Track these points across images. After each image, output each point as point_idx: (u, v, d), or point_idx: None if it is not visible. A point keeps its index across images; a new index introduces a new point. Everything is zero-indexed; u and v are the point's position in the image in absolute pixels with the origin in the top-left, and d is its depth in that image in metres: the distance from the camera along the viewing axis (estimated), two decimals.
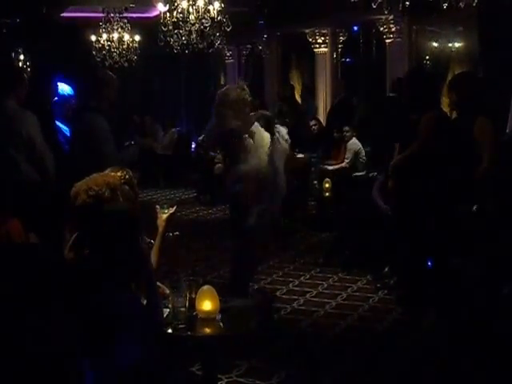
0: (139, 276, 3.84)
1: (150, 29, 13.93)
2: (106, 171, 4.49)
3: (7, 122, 6.50)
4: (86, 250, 3.70)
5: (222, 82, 19.74)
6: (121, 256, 3.64)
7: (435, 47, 13.26)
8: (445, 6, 6.35)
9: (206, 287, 4.43)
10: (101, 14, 14.91)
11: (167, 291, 4.34)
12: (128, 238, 3.70)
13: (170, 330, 4.20)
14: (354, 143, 11.94)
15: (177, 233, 5.28)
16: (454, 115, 7.61)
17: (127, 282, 3.67)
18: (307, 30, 15.51)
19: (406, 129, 7.61)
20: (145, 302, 3.91)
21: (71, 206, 3.85)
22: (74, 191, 3.87)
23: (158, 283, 4.37)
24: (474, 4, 6.59)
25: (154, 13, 14.80)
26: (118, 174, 4.46)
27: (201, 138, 16.24)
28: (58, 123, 8.11)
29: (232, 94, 6.64)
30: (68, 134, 7.90)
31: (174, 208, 4.98)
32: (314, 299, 7.71)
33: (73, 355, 3.18)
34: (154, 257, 4.73)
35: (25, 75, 7.27)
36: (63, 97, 8.96)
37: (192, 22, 10.27)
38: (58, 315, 3.19)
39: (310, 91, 16.33)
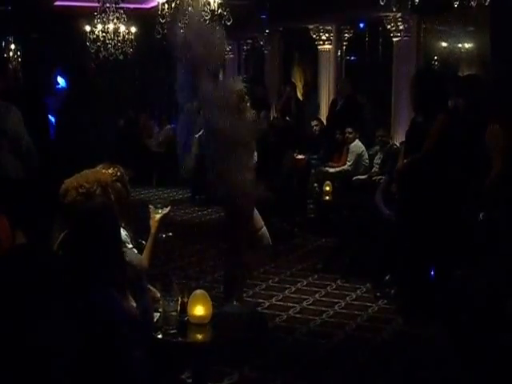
0: (126, 277, 3.85)
1: (147, 20, 13.94)
2: (98, 168, 4.50)
3: None
4: (76, 249, 3.70)
5: (221, 78, 19.72)
6: (110, 255, 3.64)
7: (444, 47, 13.24)
8: (456, 4, 6.36)
9: (198, 291, 4.43)
10: (96, 4, 14.89)
11: (158, 295, 4.35)
12: (116, 237, 3.71)
13: (160, 335, 4.20)
14: (357, 145, 11.94)
15: (170, 234, 5.30)
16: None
17: (115, 283, 3.67)
18: (311, 26, 15.50)
19: (411, 132, 7.63)
20: (134, 304, 3.92)
21: (60, 203, 3.85)
22: (64, 188, 3.87)
23: (149, 286, 4.38)
24: (487, 4, 6.60)
25: (152, 4, 14.83)
26: (110, 170, 4.48)
27: (198, 134, 16.25)
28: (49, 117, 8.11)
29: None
30: None
31: (168, 208, 4.98)
32: (311, 307, 7.72)
33: (68, 356, 3.18)
34: (145, 258, 4.74)
35: (9, 66, 7.25)
36: (57, 89, 8.96)
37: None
38: (54, 316, 3.18)
39: (312, 90, 16.34)
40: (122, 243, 3.88)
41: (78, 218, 3.63)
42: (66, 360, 3.14)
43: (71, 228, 3.70)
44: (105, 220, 3.65)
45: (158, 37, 10.87)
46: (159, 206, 4.97)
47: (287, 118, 14.98)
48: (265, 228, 7.15)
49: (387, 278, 8.13)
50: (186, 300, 4.39)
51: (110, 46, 15.03)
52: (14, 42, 18.38)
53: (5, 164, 6.44)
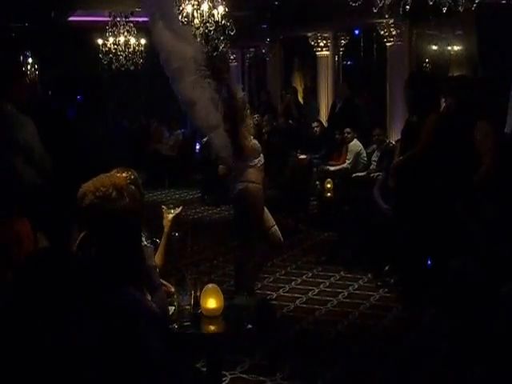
0: (143, 274, 3.84)
1: None
2: (112, 172, 4.50)
3: (3, 127, 6.47)
4: (93, 250, 3.70)
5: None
6: (127, 255, 3.64)
7: (435, 50, 13.24)
8: (444, 10, 6.35)
9: (210, 285, 4.43)
10: (107, 18, 14.92)
11: (172, 289, 4.34)
12: (134, 237, 3.70)
13: (175, 328, 4.20)
14: (355, 144, 11.93)
15: (176, 234, 5.28)
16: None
17: (133, 281, 3.66)
18: (309, 34, 15.50)
19: (406, 130, 7.62)
20: (149, 298, 3.92)
21: (78, 207, 3.85)
22: (81, 192, 3.87)
23: (164, 281, 4.38)
24: (473, 8, 6.59)
25: None
26: (124, 174, 4.47)
27: (205, 139, 16.25)
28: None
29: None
30: None
31: (180, 208, 4.98)
32: (316, 297, 7.71)
33: (95, 356, 3.17)
34: (159, 256, 4.74)
35: (26, 79, 7.23)
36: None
37: (196, 25, 10.26)
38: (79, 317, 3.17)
39: (311, 93, 16.34)
40: (142, 242, 3.88)
41: (104, 218, 3.62)
42: (91, 358, 3.13)
43: (94, 229, 3.70)
44: (129, 220, 3.64)
45: None
46: (172, 206, 4.97)
47: (290, 121, 14.99)
48: (276, 226, 7.14)
49: (387, 268, 8.13)
50: (198, 294, 4.38)
51: (121, 57, 15.05)
52: (31, 57, 18.41)
53: (21, 172, 6.45)
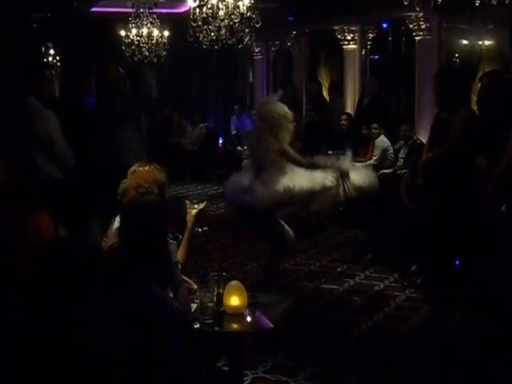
0: (167, 270, 3.84)
1: (180, 24, 13.96)
2: (134, 166, 4.50)
3: (25, 120, 6.51)
4: (121, 243, 3.70)
5: (251, 78, 19.77)
6: (155, 251, 3.63)
7: (465, 45, 13.13)
8: (477, 3, 6.29)
9: (234, 282, 4.41)
10: (130, 9, 14.96)
11: (195, 286, 4.34)
12: (163, 234, 3.70)
13: (197, 325, 4.20)
14: (382, 140, 11.88)
15: (205, 228, 5.29)
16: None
17: (159, 276, 3.66)
18: (336, 27, 15.44)
19: (435, 127, 7.57)
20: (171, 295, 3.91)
21: (120, 203, 3.84)
22: (123, 188, 3.88)
23: (186, 278, 4.37)
24: (507, 2, 6.53)
25: (184, 8, 14.82)
26: (146, 168, 4.48)
27: (234, 132, 16.39)
28: None
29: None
30: None
31: (204, 204, 4.98)
32: (341, 297, 7.68)
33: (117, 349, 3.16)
34: (182, 252, 4.74)
35: (51, 72, 7.27)
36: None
37: (221, 17, 10.25)
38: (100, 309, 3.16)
39: (337, 88, 16.27)
40: (168, 238, 3.88)
41: (132, 212, 3.61)
42: (111, 355, 3.12)
43: (124, 223, 3.69)
44: (158, 215, 3.63)
45: (190, 40, 10.89)
46: (195, 201, 4.96)
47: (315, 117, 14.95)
48: (287, 226, 7.22)
49: (414, 267, 8.08)
50: (221, 291, 4.37)
51: (144, 49, 15.09)
52: (53, 48, 18.52)
53: (41, 166, 6.48)
